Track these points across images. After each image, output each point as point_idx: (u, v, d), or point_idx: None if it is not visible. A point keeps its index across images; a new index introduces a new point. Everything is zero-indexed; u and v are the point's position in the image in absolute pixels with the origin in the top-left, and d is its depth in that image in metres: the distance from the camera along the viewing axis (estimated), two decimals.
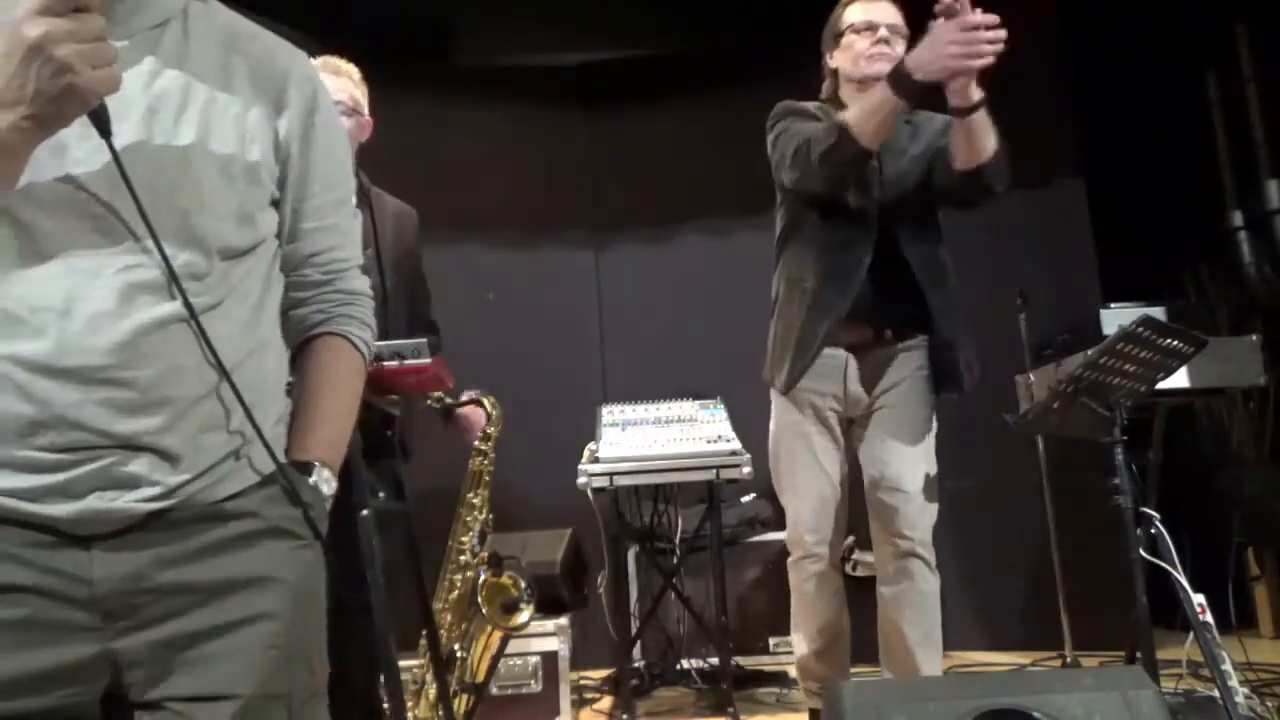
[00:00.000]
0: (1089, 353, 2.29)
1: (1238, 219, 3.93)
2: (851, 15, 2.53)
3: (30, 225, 0.98)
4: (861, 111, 2.29)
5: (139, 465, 0.97)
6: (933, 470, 2.51)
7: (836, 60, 2.56)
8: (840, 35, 2.54)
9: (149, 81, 1.05)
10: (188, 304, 0.99)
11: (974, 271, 3.05)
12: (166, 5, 1.10)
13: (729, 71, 4.31)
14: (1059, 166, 4.12)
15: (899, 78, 2.21)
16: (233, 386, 1.01)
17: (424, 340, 1.91)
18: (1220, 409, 4.05)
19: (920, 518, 2.46)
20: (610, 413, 3.35)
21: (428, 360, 1.90)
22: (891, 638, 2.49)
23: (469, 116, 4.31)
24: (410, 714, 2.36)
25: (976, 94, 2.25)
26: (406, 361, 1.88)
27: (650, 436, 3.20)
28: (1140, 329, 2.17)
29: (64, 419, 0.95)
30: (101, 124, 0.95)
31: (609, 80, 4.43)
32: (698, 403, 3.36)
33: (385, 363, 1.88)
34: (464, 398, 2.64)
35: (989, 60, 2.16)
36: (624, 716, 3.06)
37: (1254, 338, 2.84)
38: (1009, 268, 3.80)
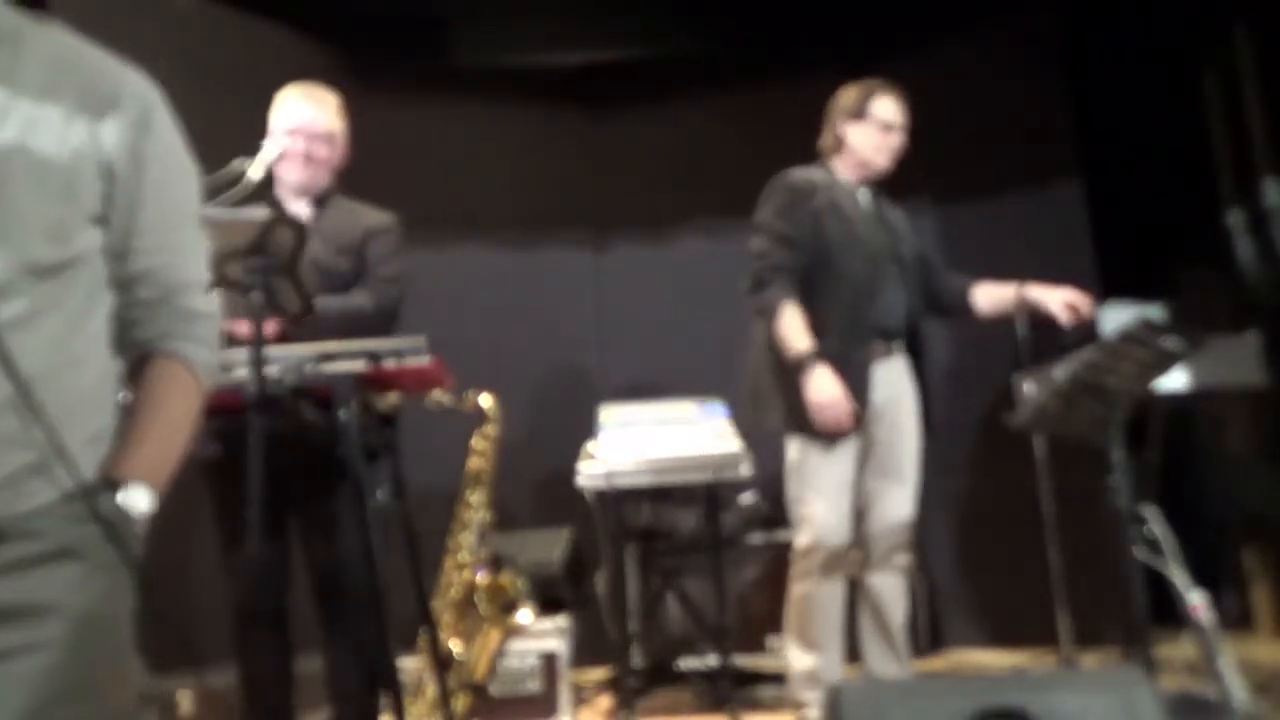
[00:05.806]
0: (1088, 352, 2.30)
1: (1237, 218, 3.92)
2: (883, 109, 2.75)
3: None
4: (782, 341, 2.73)
5: None
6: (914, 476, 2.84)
7: (852, 136, 2.78)
8: (864, 116, 2.76)
9: None
10: None
11: (974, 271, 3.05)
12: None
13: (729, 71, 4.31)
14: (1058, 166, 4.11)
15: (802, 366, 2.63)
16: (28, 398, 0.95)
17: (422, 339, 1.91)
18: (1219, 408, 4.04)
19: (907, 523, 2.81)
20: (610, 413, 3.35)
21: (426, 359, 1.90)
22: (882, 625, 2.78)
23: (469, 116, 4.30)
24: (410, 714, 2.36)
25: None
26: (405, 360, 1.88)
27: (650, 436, 3.20)
28: (1138, 328, 2.17)
29: None
30: None
31: (610, 81, 4.42)
32: (698, 403, 3.36)
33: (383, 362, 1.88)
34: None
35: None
36: (624, 716, 3.06)
37: (1253, 337, 2.84)
38: (1009, 267, 3.79)
